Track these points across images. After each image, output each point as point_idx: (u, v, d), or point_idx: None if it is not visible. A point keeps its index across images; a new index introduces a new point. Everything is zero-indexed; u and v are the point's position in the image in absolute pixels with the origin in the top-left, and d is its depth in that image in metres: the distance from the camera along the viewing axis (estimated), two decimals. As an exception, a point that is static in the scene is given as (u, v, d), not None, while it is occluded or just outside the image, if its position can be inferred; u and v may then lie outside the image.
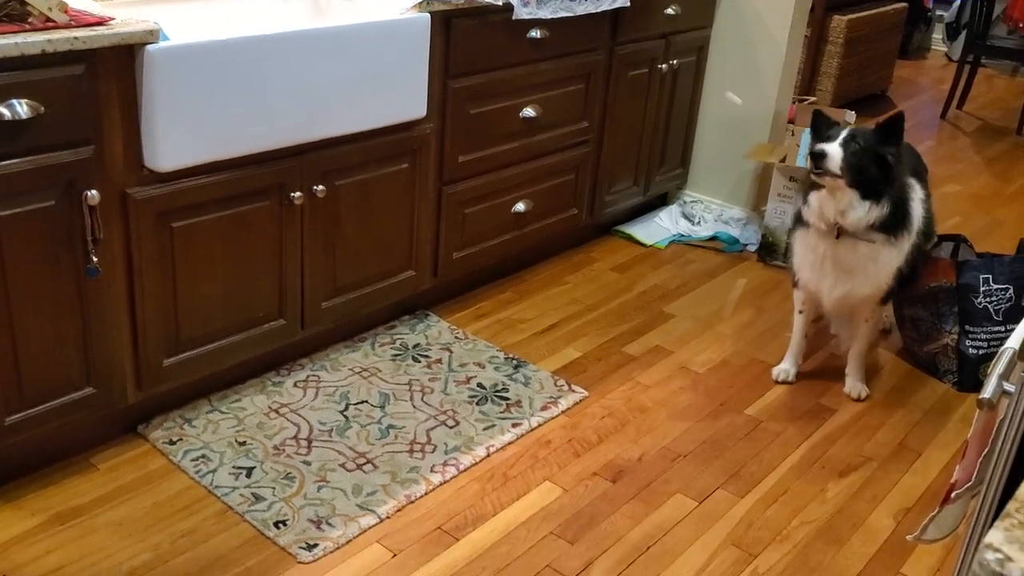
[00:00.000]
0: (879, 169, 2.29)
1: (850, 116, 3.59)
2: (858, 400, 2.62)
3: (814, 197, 2.37)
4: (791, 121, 3.64)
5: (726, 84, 3.57)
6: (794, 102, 3.81)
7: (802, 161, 3.43)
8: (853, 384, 2.64)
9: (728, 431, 2.45)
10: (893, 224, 2.34)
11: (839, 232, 2.36)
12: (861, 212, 2.31)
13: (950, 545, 2.06)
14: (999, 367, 1.21)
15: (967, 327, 2.69)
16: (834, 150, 2.26)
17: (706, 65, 3.59)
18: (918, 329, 2.79)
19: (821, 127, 2.37)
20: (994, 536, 0.65)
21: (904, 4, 5.66)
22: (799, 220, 2.48)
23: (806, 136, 3.51)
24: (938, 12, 7.04)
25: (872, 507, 2.21)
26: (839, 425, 2.52)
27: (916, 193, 2.44)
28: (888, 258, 2.39)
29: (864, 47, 5.24)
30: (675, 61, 3.38)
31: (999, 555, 0.64)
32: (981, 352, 2.68)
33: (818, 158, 2.25)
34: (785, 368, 2.68)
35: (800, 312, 2.65)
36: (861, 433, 2.49)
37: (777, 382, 2.67)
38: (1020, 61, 6.34)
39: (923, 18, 6.89)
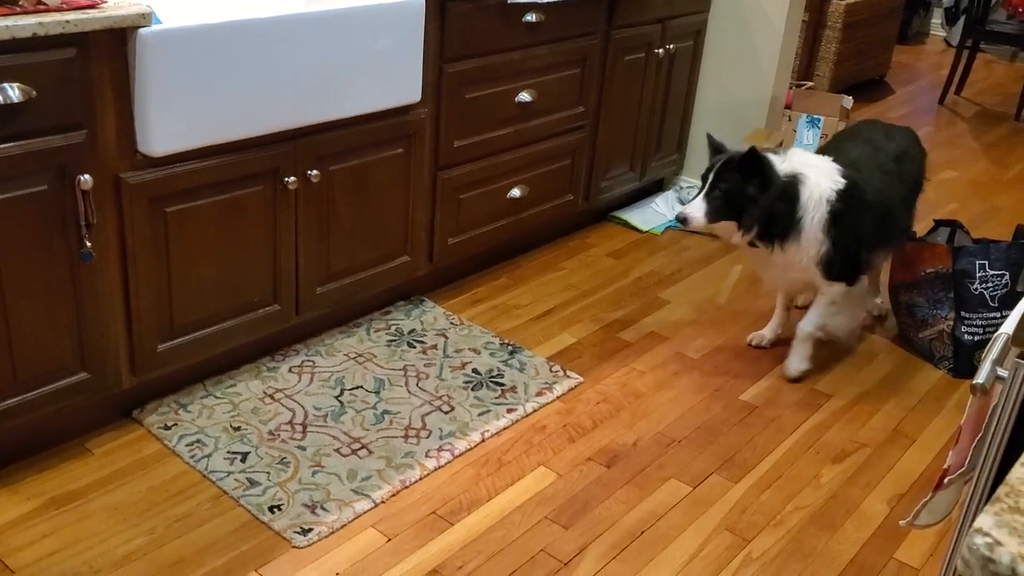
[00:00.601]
0: (745, 202, 2.39)
1: (847, 101, 3.58)
2: (787, 379, 2.60)
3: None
4: (788, 107, 3.63)
5: (723, 69, 3.56)
6: (791, 87, 3.80)
7: (799, 146, 3.42)
8: (791, 358, 2.62)
9: (723, 417, 2.45)
10: (774, 230, 2.42)
11: (751, 244, 2.48)
12: (737, 237, 2.45)
13: (943, 530, 2.06)
14: (993, 352, 1.21)
15: (963, 313, 2.69)
16: (696, 212, 2.40)
17: (703, 50, 3.58)
18: (913, 315, 2.79)
19: (713, 152, 2.49)
20: (984, 520, 0.65)
21: (903, -11, 5.64)
22: None
23: (803, 122, 3.51)
24: (937, -3, 7.02)
25: (866, 493, 2.22)
26: (834, 411, 2.52)
27: (812, 189, 2.41)
28: (794, 254, 2.45)
29: (862, 32, 5.23)
30: (671, 46, 3.37)
31: (988, 539, 0.64)
32: (977, 338, 2.68)
33: (683, 222, 2.43)
34: (761, 333, 2.78)
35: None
36: (856, 419, 2.49)
37: (750, 345, 2.75)
38: (1019, 46, 6.33)
39: (922, 3, 6.87)
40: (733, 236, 2.46)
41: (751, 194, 2.37)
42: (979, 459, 1.25)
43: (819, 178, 2.43)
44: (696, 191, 2.47)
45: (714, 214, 2.40)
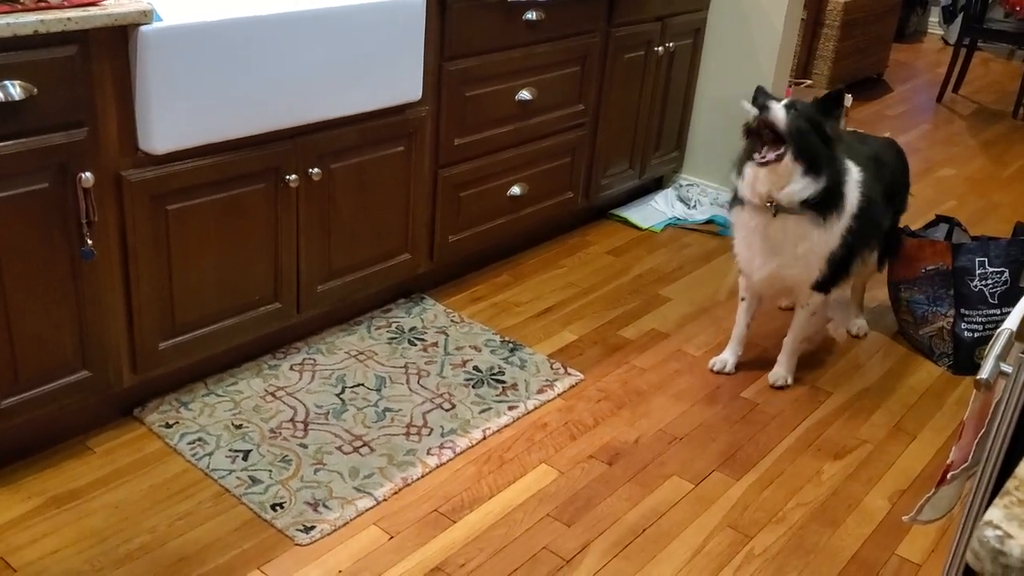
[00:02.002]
0: (819, 139, 2.26)
1: (846, 99, 3.58)
2: (774, 387, 2.56)
3: (749, 170, 2.33)
4: (787, 104, 3.63)
5: (722, 67, 3.56)
6: (790, 85, 3.80)
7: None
8: (777, 371, 2.59)
9: (724, 414, 2.46)
10: (825, 204, 2.30)
11: (776, 209, 2.32)
12: (798, 186, 2.27)
13: (945, 526, 2.07)
14: (996, 348, 1.22)
15: (963, 310, 2.69)
16: (777, 107, 2.25)
17: (702, 48, 3.58)
18: (913, 312, 2.80)
19: (759, 99, 2.35)
20: (993, 513, 0.65)
21: (901, -13, 5.64)
22: (735, 197, 2.44)
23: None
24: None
25: (867, 489, 2.22)
26: (835, 408, 2.52)
27: (852, 176, 2.39)
28: (818, 239, 2.35)
29: (860, 30, 5.23)
30: (671, 44, 3.37)
31: (999, 532, 0.64)
32: (976, 335, 2.68)
33: (763, 110, 2.24)
34: (723, 358, 2.62)
35: (743, 299, 2.60)
36: (857, 415, 2.50)
37: (713, 371, 2.61)
38: (1017, 44, 6.33)
39: (920, 1, 6.88)
40: (789, 184, 2.26)
41: (829, 134, 2.25)
42: (982, 454, 1.25)
43: (851, 165, 2.39)
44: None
45: (789, 134, 2.23)
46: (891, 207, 2.66)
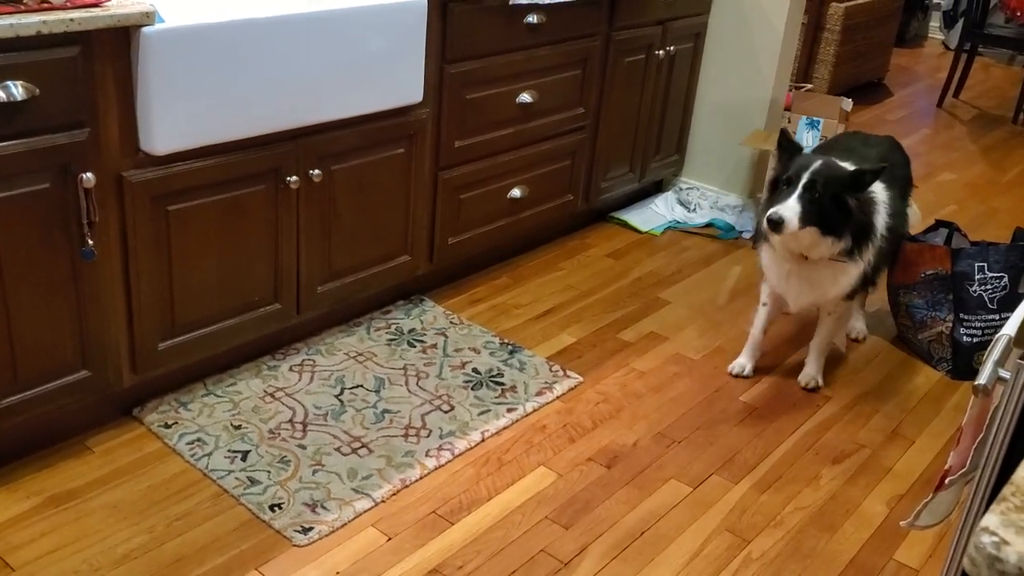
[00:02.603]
0: (839, 211, 2.26)
1: (847, 104, 3.59)
2: (806, 389, 2.59)
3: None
4: (788, 108, 3.64)
5: (723, 71, 3.56)
6: (791, 89, 3.80)
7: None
8: (806, 372, 2.62)
9: (722, 418, 2.46)
10: (856, 244, 2.34)
11: (807, 256, 2.36)
12: (824, 248, 2.31)
13: (942, 531, 2.07)
14: (995, 353, 1.22)
15: (962, 315, 2.69)
16: (790, 214, 2.21)
17: (703, 52, 3.58)
18: (912, 317, 2.80)
19: (786, 153, 2.34)
20: (990, 520, 0.66)
21: (901, -8, 5.65)
22: (764, 236, 2.42)
23: (803, 124, 3.51)
24: (935, 0, 7.04)
25: (865, 493, 2.22)
26: (833, 412, 2.52)
27: (879, 202, 2.40)
28: (852, 272, 2.41)
29: (861, 35, 5.24)
30: (672, 47, 3.37)
31: (995, 538, 0.64)
32: (975, 340, 2.68)
33: (776, 225, 2.21)
34: (741, 363, 2.64)
35: (764, 305, 2.62)
36: (855, 420, 2.50)
37: (732, 375, 2.63)
38: (1017, 50, 6.34)
39: (920, 6, 6.89)
40: (815, 248, 2.30)
41: (851, 205, 2.26)
42: (980, 460, 1.25)
43: (879, 190, 2.42)
44: (768, 193, 2.38)
45: (806, 220, 2.22)
46: (906, 202, 2.71)
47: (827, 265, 2.38)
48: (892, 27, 5.63)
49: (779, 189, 2.29)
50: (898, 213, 2.53)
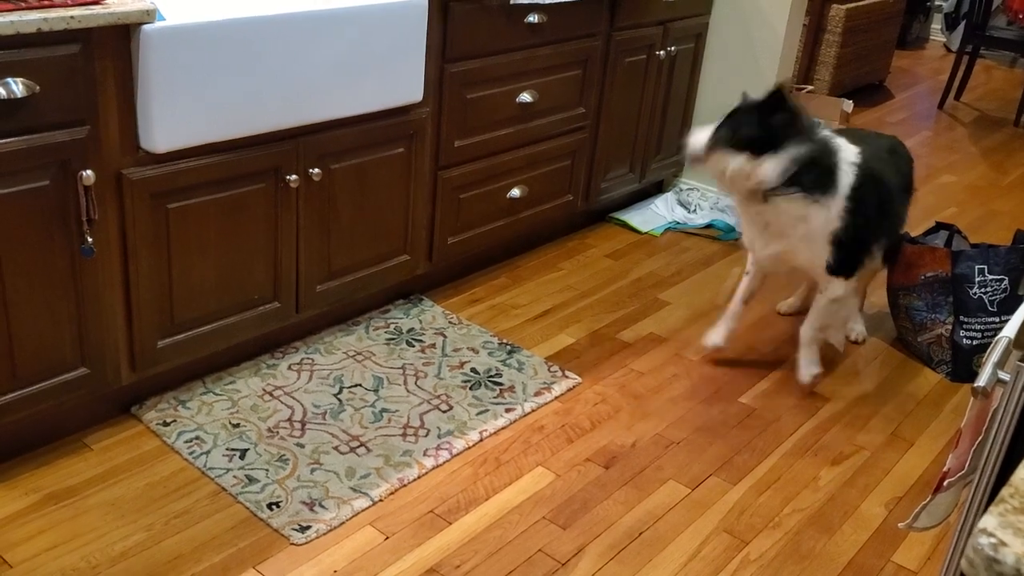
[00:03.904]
0: (766, 132, 2.22)
1: (847, 105, 3.59)
2: (803, 383, 2.54)
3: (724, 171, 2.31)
4: (788, 110, 3.63)
5: (724, 71, 3.56)
6: (792, 91, 3.80)
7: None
8: (801, 370, 2.55)
9: (721, 419, 2.46)
10: (812, 182, 2.26)
11: (765, 195, 2.29)
12: (765, 171, 2.24)
13: (941, 533, 2.07)
14: (994, 355, 1.22)
15: (961, 317, 2.69)
16: (700, 135, 2.28)
17: (704, 52, 3.58)
18: (912, 319, 2.80)
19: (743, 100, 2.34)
20: (988, 521, 0.65)
21: (903, -6, 5.65)
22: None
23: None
24: (937, 2, 7.04)
25: (864, 495, 2.22)
26: (832, 414, 2.52)
27: (844, 154, 2.34)
28: (815, 218, 2.31)
29: (862, 36, 5.24)
30: (673, 48, 3.37)
31: (993, 540, 0.64)
32: (975, 343, 2.68)
33: (689, 150, 2.29)
34: (714, 334, 2.63)
35: (747, 273, 2.59)
36: (854, 422, 2.50)
37: (705, 346, 2.63)
38: (1019, 52, 6.34)
39: (922, 8, 6.89)
40: (753, 175, 2.24)
41: (777, 125, 2.20)
42: (979, 462, 1.25)
43: (844, 144, 2.35)
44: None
45: (725, 141, 2.22)
46: (906, 199, 2.63)
47: (787, 206, 2.29)
48: (893, 29, 5.63)
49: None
50: (876, 178, 2.40)
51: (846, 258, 2.39)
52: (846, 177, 2.32)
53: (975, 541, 0.64)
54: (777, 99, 2.23)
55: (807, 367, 2.56)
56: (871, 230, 2.42)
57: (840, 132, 2.82)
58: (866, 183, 2.35)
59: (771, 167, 2.24)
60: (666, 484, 2.19)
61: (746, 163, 2.25)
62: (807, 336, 2.55)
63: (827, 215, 2.31)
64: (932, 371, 2.76)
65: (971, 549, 0.64)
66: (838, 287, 2.45)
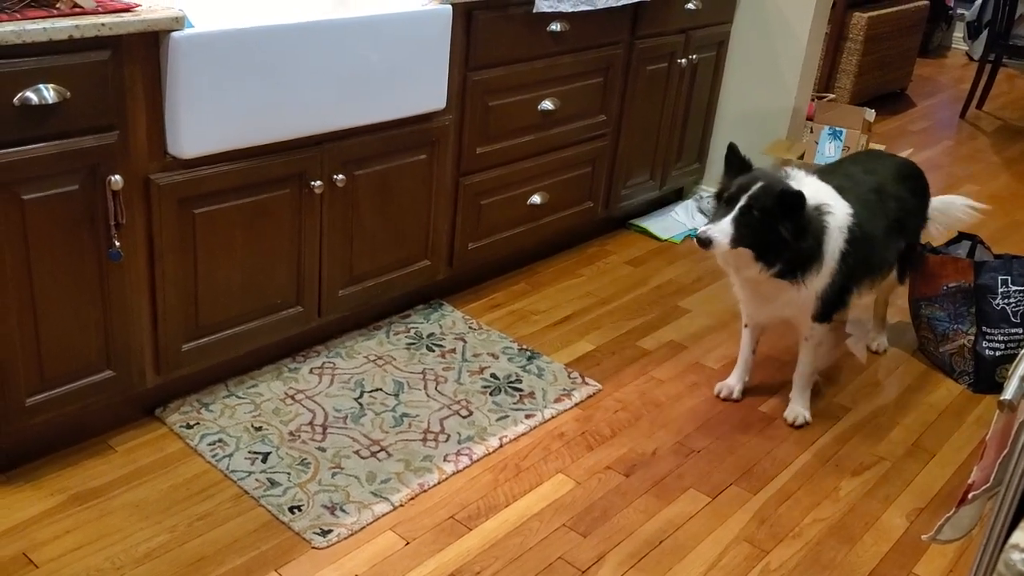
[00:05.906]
0: (774, 237, 2.19)
1: (870, 114, 3.57)
2: (793, 426, 2.47)
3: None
4: (810, 118, 3.63)
5: (745, 80, 3.56)
6: (813, 99, 3.79)
7: (821, 158, 3.42)
8: (791, 409, 2.51)
9: (742, 428, 2.45)
10: (794, 273, 2.25)
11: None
12: (754, 271, 2.25)
13: (963, 546, 2.06)
14: (1020, 369, 1.21)
15: (984, 328, 2.68)
16: (720, 235, 2.17)
17: (725, 60, 3.58)
18: (934, 329, 2.79)
19: (732, 168, 2.28)
20: (1020, 537, 0.66)
21: (925, 2, 5.62)
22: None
23: (825, 134, 3.50)
24: (959, 10, 7.00)
25: (885, 506, 2.21)
26: (853, 424, 2.51)
27: (836, 222, 2.29)
28: (800, 293, 2.31)
29: (884, 45, 5.22)
30: (694, 56, 3.37)
31: (1024, 556, 0.65)
32: (998, 354, 2.67)
33: (705, 244, 2.17)
34: (729, 384, 2.57)
35: (745, 326, 2.55)
36: (875, 432, 2.49)
37: (719, 397, 2.56)
38: (1041, 61, 6.30)
39: (944, 16, 6.85)
40: (747, 269, 2.25)
41: (784, 233, 2.19)
42: (1005, 476, 1.25)
43: (837, 209, 2.31)
44: (713, 206, 2.33)
45: (739, 241, 2.18)
46: (902, 235, 2.59)
47: (777, 283, 2.29)
48: (915, 37, 5.61)
49: (719, 206, 2.24)
50: (869, 236, 2.37)
51: (829, 310, 2.41)
52: (835, 243, 2.29)
53: (1007, 557, 0.64)
54: (794, 202, 2.18)
55: (798, 413, 2.50)
56: (857, 283, 2.44)
57: (854, 158, 2.77)
58: (855, 243, 2.33)
59: (767, 272, 2.25)
60: (686, 493, 2.19)
61: (749, 259, 2.24)
62: (800, 383, 2.51)
63: (809, 290, 2.32)
64: (954, 382, 2.75)
65: (1003, 564, 0.64)
66: (821, 331, 2.46)
